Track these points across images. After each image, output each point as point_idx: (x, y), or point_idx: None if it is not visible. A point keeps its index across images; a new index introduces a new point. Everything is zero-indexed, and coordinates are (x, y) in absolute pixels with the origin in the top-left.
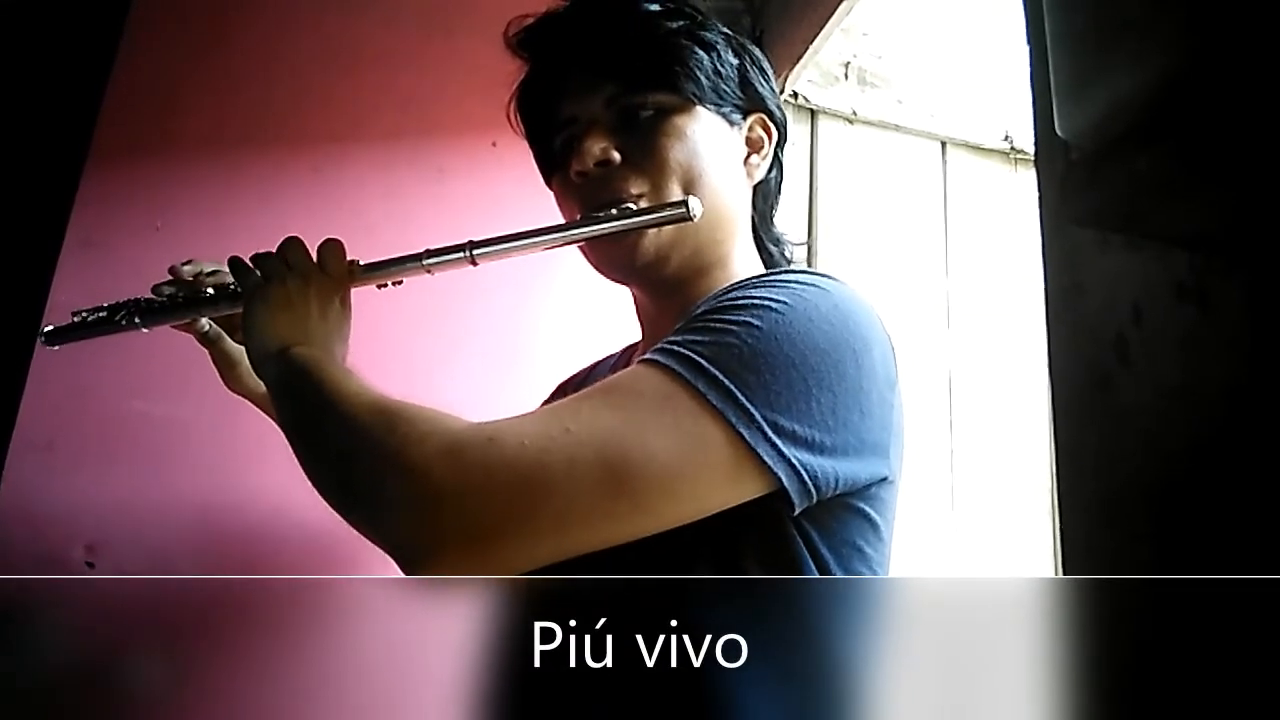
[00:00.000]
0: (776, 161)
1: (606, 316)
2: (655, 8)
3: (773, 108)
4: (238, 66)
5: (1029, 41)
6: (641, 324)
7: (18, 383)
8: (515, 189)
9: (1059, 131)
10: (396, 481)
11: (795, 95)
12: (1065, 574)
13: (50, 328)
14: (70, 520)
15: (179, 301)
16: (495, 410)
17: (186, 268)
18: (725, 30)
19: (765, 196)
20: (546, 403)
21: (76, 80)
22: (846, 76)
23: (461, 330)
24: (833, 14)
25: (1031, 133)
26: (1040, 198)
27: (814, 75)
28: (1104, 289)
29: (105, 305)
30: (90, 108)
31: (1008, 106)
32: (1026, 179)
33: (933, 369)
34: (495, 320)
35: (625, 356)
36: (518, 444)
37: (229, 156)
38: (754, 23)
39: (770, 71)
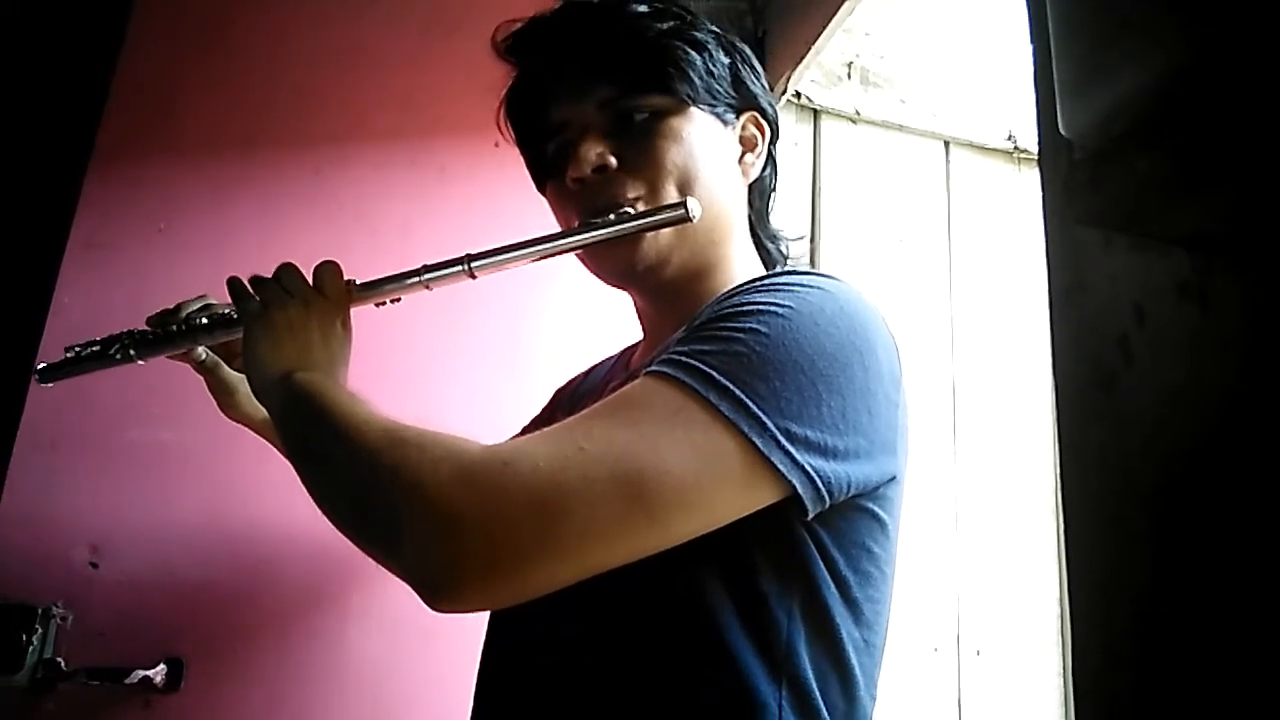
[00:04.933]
0: (770, 159)
1: (605, 321)
2: (644, 9)
3: (765, 105)
4: (240, 68)
5: (1032, 40)
6: (643, 327)
7: (22, 383)
8: (517, 190)
9: (1062, 131)
10: (413, 511)
11: (798, 95)
12: (1069, 572)
13: (44, 365)
14: (74, 521)
15: (174, 332)
16: (496, 416)
17: (182, 314)
18: (714, 29)
19: (761, 194)
20: (544, 410)
21: (79, 82)
22: (849, 76)
23: (460, 338)
24: (835, 13)
25: (1035, 132)
26: (1043, 197)
27: (817, 75)
28: (1107, 288)
29: (99, 339)
30: (93, 110)
31: (1011, 106)
32: (1029, 178)
33: (937, 369)
34: (494, 327)
35: (623, 359)
36: (532, 466)
37: (231, 158)
38: (756, 22)
39: (760, 69)
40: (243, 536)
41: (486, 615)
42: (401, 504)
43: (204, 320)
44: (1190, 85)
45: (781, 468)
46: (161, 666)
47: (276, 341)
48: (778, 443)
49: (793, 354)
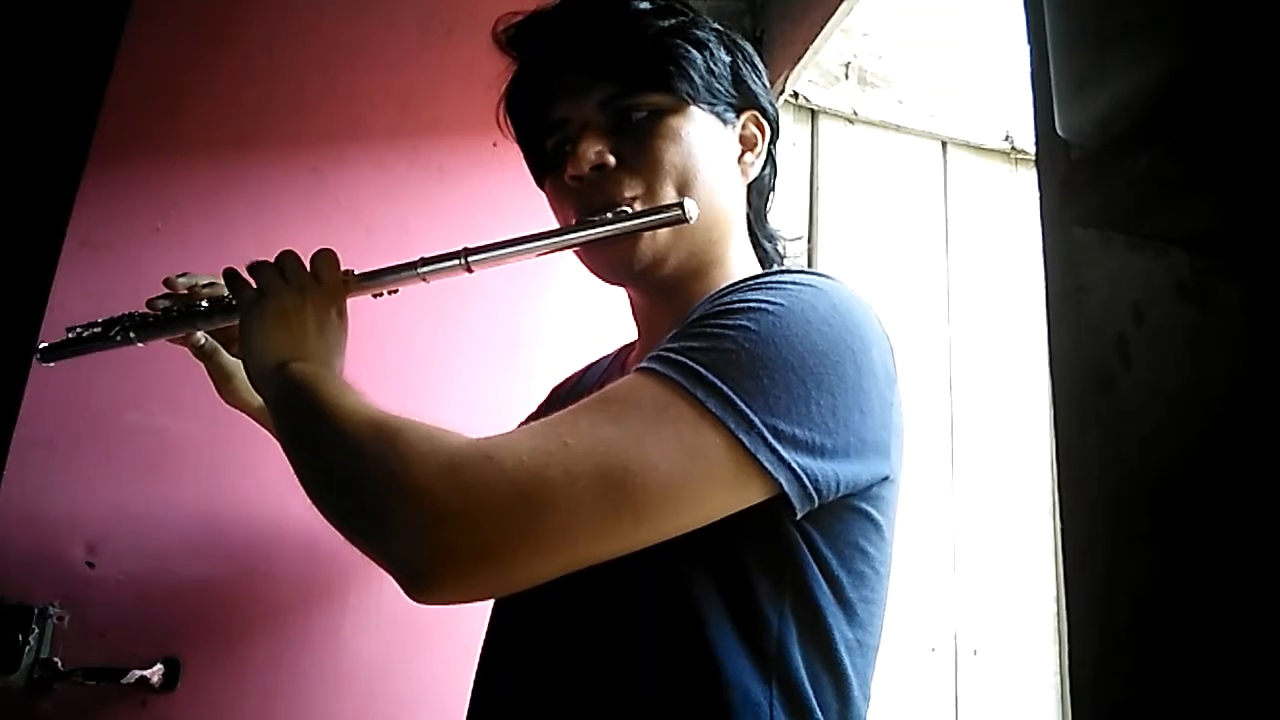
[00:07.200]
0: (770, 158)
1: (602, 318)
2: (646, 6)
3: (765, 104)
4: (238, 67)
5: (1029, 41)
6: (639, 325)
7: (18, 382)
8: (515, 190)
9: (1060, 131)
10: (397, 502)
11: (796, 95)
12: (1066, 572)
13: (45, 345)
14: (70, 520)
15: (174, 315)
16: (493, 414)
17: (181, 280)
18: (716, 26)
19: (760, 194)
20: (540, 408)
21: (77, 81)
22: (847, 76)
23: (457, 333)
24: (833, 14)
25: (1032, 132)
26: (1041, 197)
27: (815, 75)
28: (1105, 289)
29: (99, 321)
30: (91, 108)
31: (1008, 106)
32: (1027, 179)
33: (934, 369)
34: (491, 323)
35: (620, 358)
36: (516, 460)
37: (229, 157)
38: (754, 23)
39: (762, 67)
40: (240, 536)
41: (485, 613)
42: (385, 494)
43: (203, 305)
44: (1189, 86)
45: (768, 466)
46: (158, 666)
47: (272, 329)
48: (765, 440)
49: (782, 351)
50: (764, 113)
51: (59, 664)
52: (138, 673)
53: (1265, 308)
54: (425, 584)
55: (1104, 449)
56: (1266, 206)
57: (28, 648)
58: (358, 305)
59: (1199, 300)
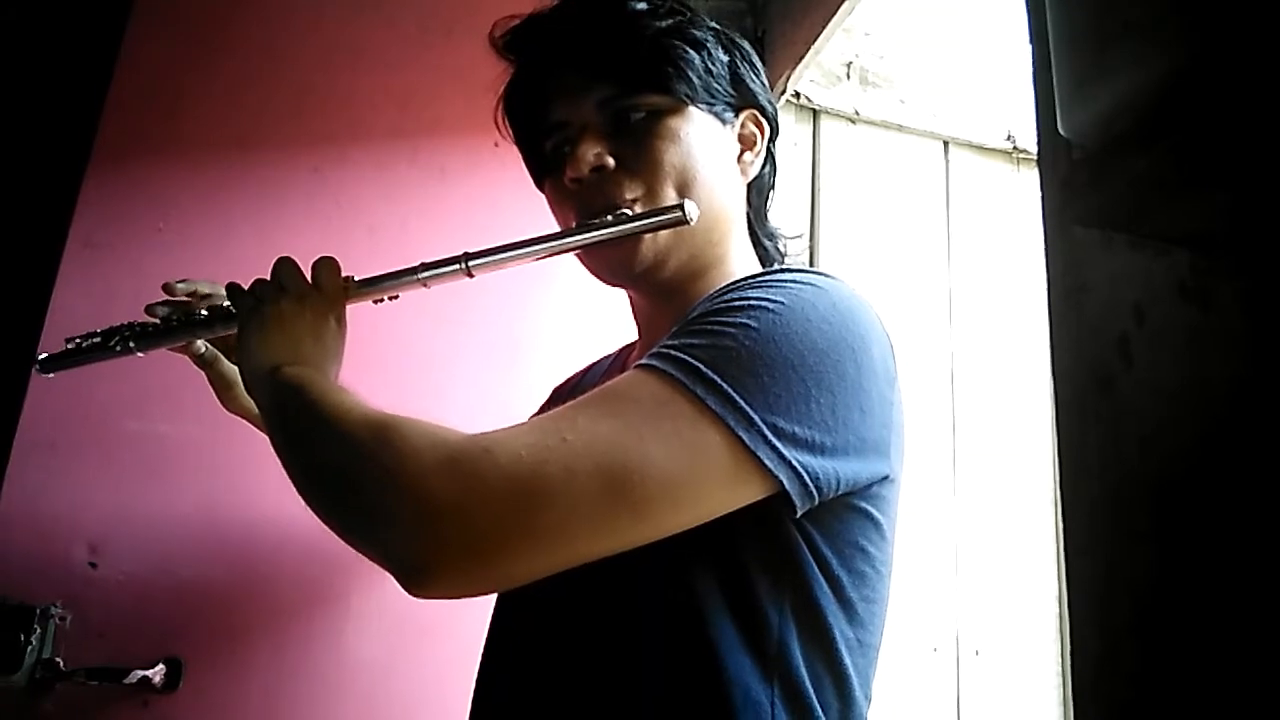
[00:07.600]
0: (769, 157)
1: (603, 319)
2: (643, 6)
3: (764, 103)
4: (239, 67)
5: (1031, 41)
6: (639, 325)
7: (21, 383)
8: (516, 190)
9: (1062, 131)
10: (394, 496)
11: (797, 95)
12: (1068, 572)
13: (45, 355)
14: (73, 520)
15: (174, 325)
16: (494, 416)
17: (180, 286)
18: (714, 25)
19: (759, 192)
20: (541, 408)
21: (78, 82)
22: (849, 76)
23: (459, 336)
24: (835, 14)
25: (1034, 132)
26: (1042, 197)
27: (816, 75)
28: (1107, 289)
29: (99, 331)
30: (92, 109)
31: (1010, 106)
32: (1029, 178)
33: (935, 368)
34: (492, 325)
35: (621, 358)
36: (514, 455)
37: (230, 157)
38: (756, 22)
39: (760, 65)
40: (242, 536)
41: (486, 613)
42: (382, 490)
43: (203, 314)
44: (1190, 86)
45: (768, 463)
46: (160, 666)
47: (267, 335)
48: (764, 438)
49: (782, 349)
50: (763, 111)
51: (61, 664)
52: (140, 673)
53: (1265, 308)
54: (422, 579)
55: (1104, 449)
56: (1266, 206)
57: (30, 648)
58: (357, 309)
59: (1200, 300)
